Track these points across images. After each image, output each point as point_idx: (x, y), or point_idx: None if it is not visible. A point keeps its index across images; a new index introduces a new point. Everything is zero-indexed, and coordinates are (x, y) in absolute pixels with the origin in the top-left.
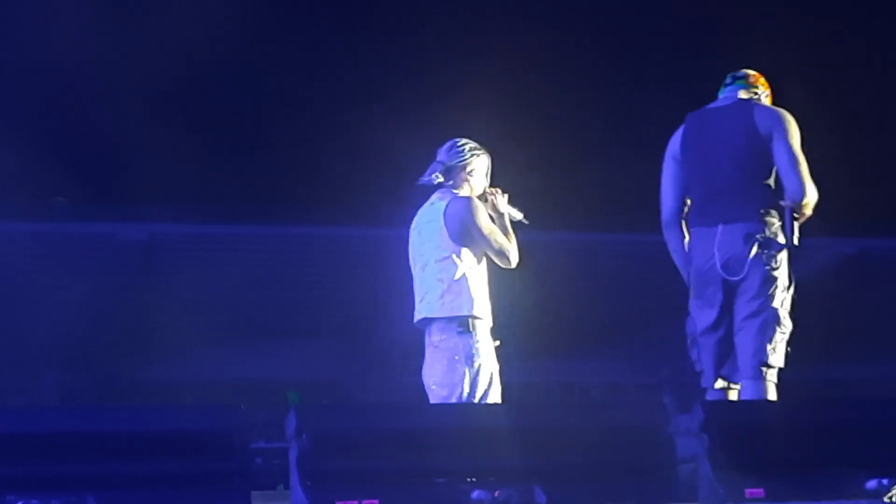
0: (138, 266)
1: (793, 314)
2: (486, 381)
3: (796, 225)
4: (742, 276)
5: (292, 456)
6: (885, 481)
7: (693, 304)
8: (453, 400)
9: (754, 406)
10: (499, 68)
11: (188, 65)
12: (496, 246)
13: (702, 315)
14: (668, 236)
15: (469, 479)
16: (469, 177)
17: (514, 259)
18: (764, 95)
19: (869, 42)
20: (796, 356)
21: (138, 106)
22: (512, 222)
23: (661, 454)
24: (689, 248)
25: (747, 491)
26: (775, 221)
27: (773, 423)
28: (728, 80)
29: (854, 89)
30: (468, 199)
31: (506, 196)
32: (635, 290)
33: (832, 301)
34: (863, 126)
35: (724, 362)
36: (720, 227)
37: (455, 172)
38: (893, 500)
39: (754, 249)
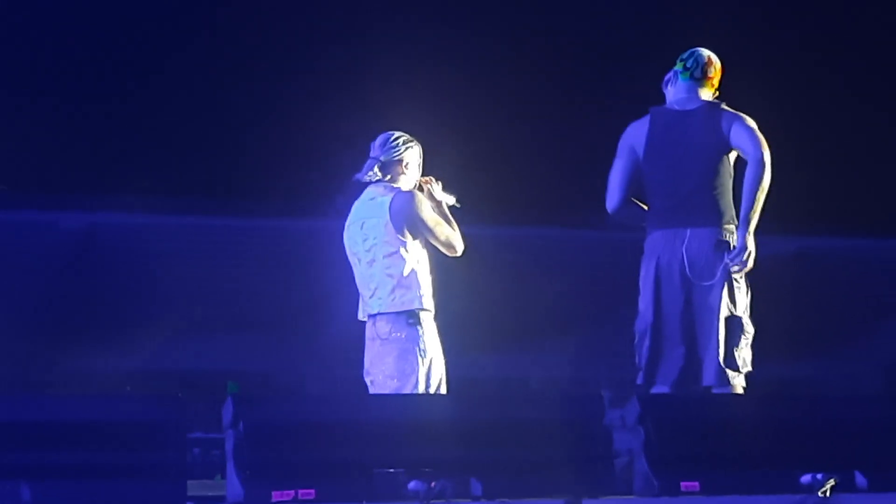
0: (77, 256)
1: (752, 317)
2: (438, 373)
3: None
4: (711, 282)
5: (228, 446)
6: (819, 476)
7: (645, 301)
8: (406, 391)
9: (690, 400)
10: (436, 63)
11: (130, 49)
12: (443, 238)
13: (656, 312)
14: (622, 215)
15: (405, 470)
16: (405, 170)
17: (460, 247)
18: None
19: (814, 40)
20: None
21: (79, 92)
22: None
23: (597, 447)
24: (650, 249)
25: (682, 484)
26: (734, 230)
27: (708, 418)
28: (680, 71)
29: (798, 87)
30: (411, 193)
31: (439, 184)
32: (576, 285)
33: (772, 300)
34: (806, 124)
35: (668, 363)
36: (688, 231)
37: (391, 167)
38: (827, 494)
39: (725, 258)
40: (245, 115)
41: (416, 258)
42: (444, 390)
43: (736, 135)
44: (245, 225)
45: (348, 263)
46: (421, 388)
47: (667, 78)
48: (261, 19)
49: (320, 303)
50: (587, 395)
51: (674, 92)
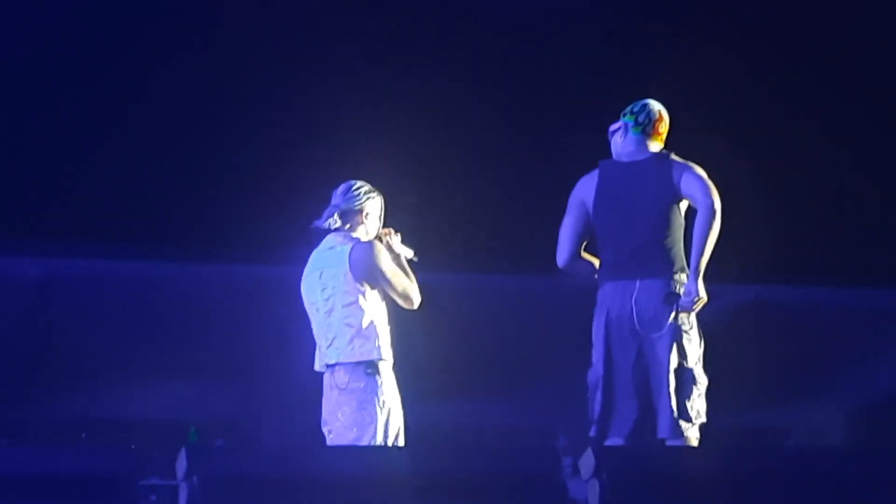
0: (32, 302)
1: (705, 366)
2: (397, 424)
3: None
4: (660, 333)
5: (182, 498)
6: None
7: (597, 353)
8: (364, 442)
9: (646, 453)
10: (389, 106)
11: (82, 89)
12: (400, 289)
13: (606, 365)
14: (573, 270)
15: None
16: (365, 220)
17: (417, 300)
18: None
19: (769, 87)
20: None
21: (33, 132)
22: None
23: (552, 499)
24: (602, 301)
25: None
26: (685, 280)
27: (665, 471)
28: (632, 125)
29: (751, 133)
30: (371, 243)
31: (398, 236)
32: (534, 332)
33: (729, 348)
34: (762, 171)
35: (620, 416)
36: (638, 282)
37: (351, 216)
38: None
39: (674, 313)
40: (203, 160)
41: (374, 308)
42: (402, 441)
43: (686, 184)
44: (201, 271)
45: (306, 312)
46: (379, 439)
47: (615, 128)
48: (223, 62)
49: (279, 349)
50: (542, 448)
51: (622, 144)
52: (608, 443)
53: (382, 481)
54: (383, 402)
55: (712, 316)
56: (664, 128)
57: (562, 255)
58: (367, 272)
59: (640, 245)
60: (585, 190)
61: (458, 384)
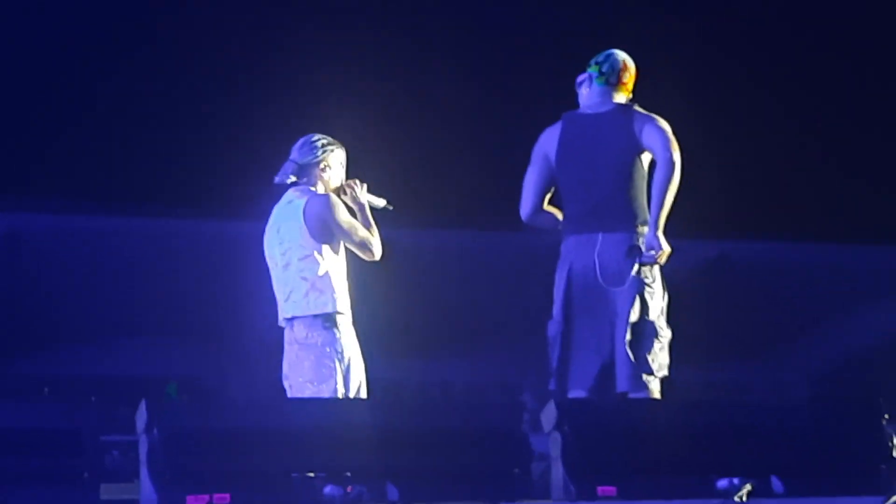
0: None
1: (668, 321)
2: (357, 377)
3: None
4: (622, 287)
5: (142, 450)
6: (735, 480)
7: (557, 306)
8: (325, 395)
9: (607, 405)
10: (361, 61)
11: (53, 47)
12: (357, 240)
13: (566, 317)
14: (536, 222)
15: (321, 475)
16: (323, 173)
17: (378, 251)
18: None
19: (732, 41)
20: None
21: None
22: (376, 211)
23: (514, 452)
24: (565, 254)
25: (599, 489)
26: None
27: (626, 424)
28: (595, 75)
29: (719, 89)
30: (326, 196)
31: (365, 186)
32: (501, 288)
33: (692, 304)
34: (725, 127)
35: (580, 368)
36: (600, 236)
37: (309, 170)
38: (743, 499)
39: (636, 266)
40: (168, 117)
41: (330, 261)
42: (363, 394)
43: (647, 135)
44: (168, 227)
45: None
46: (340, 392)
47: (581, 79)
48: (191, 22)
49: (245, 305)
50: (505, 401)
51: (587, 95)
52: (571, 395)
53: (344, 433)
54: (342, 354)
55: (676, 272)
56: (629, 78)
57: (525, 208)
58: (321, 225)
59: (603, 198)
60: (549, 142)
61: (423, 340)
